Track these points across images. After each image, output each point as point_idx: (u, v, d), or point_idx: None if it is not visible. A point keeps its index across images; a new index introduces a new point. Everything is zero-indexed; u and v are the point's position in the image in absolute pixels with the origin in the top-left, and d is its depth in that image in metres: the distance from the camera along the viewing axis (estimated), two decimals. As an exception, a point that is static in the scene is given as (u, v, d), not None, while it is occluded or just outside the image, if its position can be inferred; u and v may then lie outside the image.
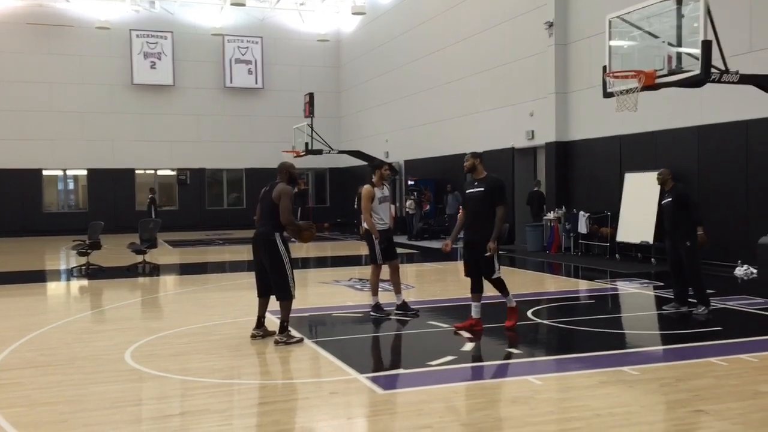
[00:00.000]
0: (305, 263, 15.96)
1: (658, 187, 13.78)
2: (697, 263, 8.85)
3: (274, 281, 7.50)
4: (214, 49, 30.88)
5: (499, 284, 7.94)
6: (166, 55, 30.10)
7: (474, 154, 8.00)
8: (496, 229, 7.64)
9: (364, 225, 9.08)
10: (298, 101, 27.45)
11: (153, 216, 24.95)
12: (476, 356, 7.10)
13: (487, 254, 7.60)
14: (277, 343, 7.42)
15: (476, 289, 8.00)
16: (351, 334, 7.12)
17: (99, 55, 29.26)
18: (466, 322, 7.98)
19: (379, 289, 9.12)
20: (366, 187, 9.05)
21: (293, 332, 7.62)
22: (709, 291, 10.17)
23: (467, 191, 8.00)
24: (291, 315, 7.55)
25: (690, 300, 8.97)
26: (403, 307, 9.07)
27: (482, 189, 7.76)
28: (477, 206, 7.79)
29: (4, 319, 9.50)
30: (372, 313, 9.02)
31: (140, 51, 29.79)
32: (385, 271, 9.17)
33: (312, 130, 24.64)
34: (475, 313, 7.95)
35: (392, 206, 9.31)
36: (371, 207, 8.92)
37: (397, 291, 9.14)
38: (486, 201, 7.71)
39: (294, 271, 7.61)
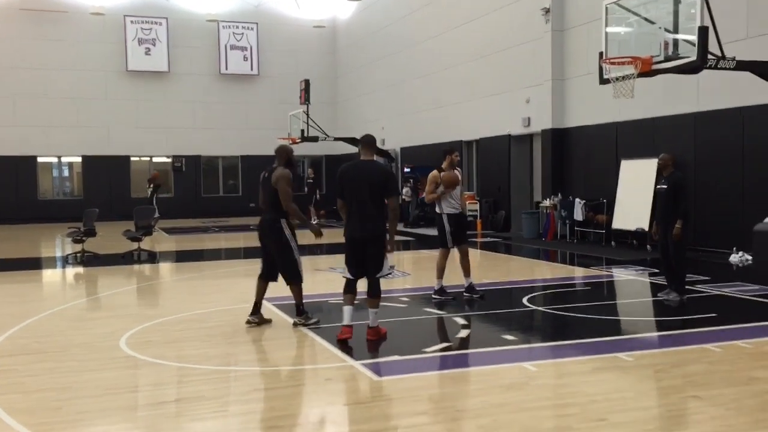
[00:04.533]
0: (301, 250, 15.95)
1: (654, 174, 13.91)
2: (683, 250, 8.84)
3: (282, 266, 7.57)
4: (209, 35, 30.69)
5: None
6: (160, 42, 29.90)
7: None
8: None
9: (437, 209, 9.19)
10: (293, 88, 27.33)
11: (154, 202, 24.95)
12: (472, 343, 7.11)
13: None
14: (296, 324, 7.53)
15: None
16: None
17: (93, 41, 29.05)
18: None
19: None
20: (433, 172, 9.23)
21: (310, 314, 7.67)
22: (703, 277, 10.20)
23: None
24: (287, 302, 7.58)
25: (686, 287, 8.98)
26: (470, 289, 9.19)
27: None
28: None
29: (-2, 306, 9.49)
30: (434, 296, 9.08)
31: (135, 37, 29.58)
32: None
33: (308, 116, 24.55)
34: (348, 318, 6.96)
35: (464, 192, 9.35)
36: (435, 190, 9.04)
37: (466, 274, 9.22)
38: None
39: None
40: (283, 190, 7.40)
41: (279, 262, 7.58)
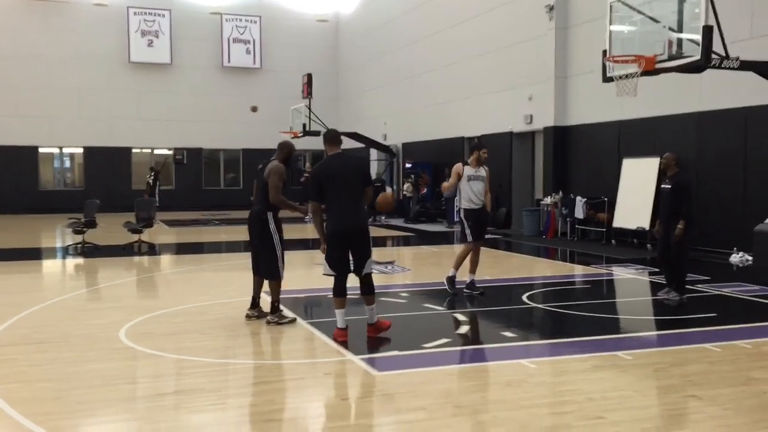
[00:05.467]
0: (301, 244, 15.95)
1: (656, 173, 13.90)
2: (684, 251, 8.83)
3: (263, 261, 7.51)
4: (212, 28, 30.65)
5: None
6: (163, 34, 29.87)
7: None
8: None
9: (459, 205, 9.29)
10: (296, 82, 27.28)
11: (156, 194, 24.91)
12: (471, 339, 7.11)
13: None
14: (269, 323, 7.42)
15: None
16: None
17: (96, 32, 29.02)
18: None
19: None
20: (457, 164, 9.25)
21: (285, 312, 7.62)
22: (704, 277, 10.20)
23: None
24: (287, 296, 7.55)
25: (686, 287, 8.97)
26: (471, 286, 9.25)
27: None
28: None
29: (-1, 296, 9.50)
30: (445, 283, 9.22)
31: (137, 29, 29.55)
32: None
33: (310, 111, 24.53)
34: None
35: (487, 191, 9.35)
36: (456, 183, 9.10)
37: (472, 270, 9.27)
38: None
39: (285, 252, 7.60)
40: (272, 183, 7.37)
41: (260, 255, 7.53)
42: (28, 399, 5.06)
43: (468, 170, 9.10)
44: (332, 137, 6.95)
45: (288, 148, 7.73)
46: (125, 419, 4.76)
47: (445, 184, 9.35)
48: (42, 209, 26.99)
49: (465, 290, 9.26)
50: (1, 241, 17.24)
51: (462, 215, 9.24)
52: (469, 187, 9.09)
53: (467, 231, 9.15)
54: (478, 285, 9.27)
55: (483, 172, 9.22)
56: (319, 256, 7.16)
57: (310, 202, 6.89)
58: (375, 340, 6.76)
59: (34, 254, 15.21)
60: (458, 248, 9.37)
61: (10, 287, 10.44)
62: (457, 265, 9.25)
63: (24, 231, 20.44)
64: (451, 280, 9.26)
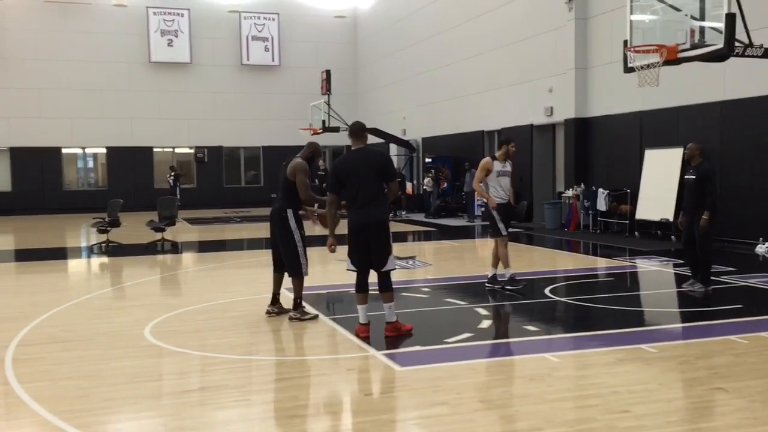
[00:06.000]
0: (322, 240, 16.01)
1: (679, 164, 13.74)
2: (709, 241, 8.72)
3: (285, 257, 7.53)
4: (231, 26, 30.80)
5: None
6: (183, 33, 30.06)
7: None
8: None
9: (482, 199, 9.18)
10: (314, 78, 27.36)
11: (176, 193, 25.15)
12: (493, 334, 7.09)
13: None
14: (291, 319, 7.46)
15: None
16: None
17: (116, 32, 29.29)
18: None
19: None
20: (485, 159, 9.16)
21: (308, 308, 7.64)
22: (729, 268, 10.07)
23: None
24: (309, 292, 7.58)
25: (711, 278, 8.87)
26: (493, 280, 9.20)
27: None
28: None
29: (26, 295, 9.64)
30: (508, 287, 9.02)
31: (157, 29, 29.77)
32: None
33: (329, 107, 24.58)
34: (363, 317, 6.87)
35: (511, 187, 9.32)
36: (484, 178, 9.00)
37: (494, 265, 9.23)
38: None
39: (308, 248, 7.62)
40: (300, 182, 7.40)
41: (282, 252, 7.56)
42: (55, 397, 5.13)
43: (497, 165, 9.04)
44: (355, 131, 6.89)
45: (313, 149, 7.78)
46: (150, 416, 4.81)
47: (478, 186, 9.07)
48: (67, 209, 27.34)
49: (487, 285, 9.23)
50: (27, 242, 17.49)
51: (494, 210, 9.06)
52: (498, 183, 9.04)
53: (500, 225, 9.04)
54: (500, 279, 9.23)
55: (509, 166, 9.19)
56: (341, 252, 7.14)
57: (327, 194, 6.88)
58: (395, 340, 6.70)
59: (60, 254, 15.41)
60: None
61: (37, 287, 10.59)
62: (507, 263, 9.11)
63: (49, 231, 20.71)
64: (513, 279, 9.09)
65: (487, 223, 9.45)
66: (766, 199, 12.68)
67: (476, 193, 9.19)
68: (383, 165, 6.73)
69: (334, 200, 6.80)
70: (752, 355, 5.88)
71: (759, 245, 12.38)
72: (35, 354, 6.39)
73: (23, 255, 14.64)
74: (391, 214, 16.92)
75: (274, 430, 4.59)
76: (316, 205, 7.80)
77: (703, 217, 8.47)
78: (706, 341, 6.41)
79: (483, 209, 9.44)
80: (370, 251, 6.69)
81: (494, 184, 9.04)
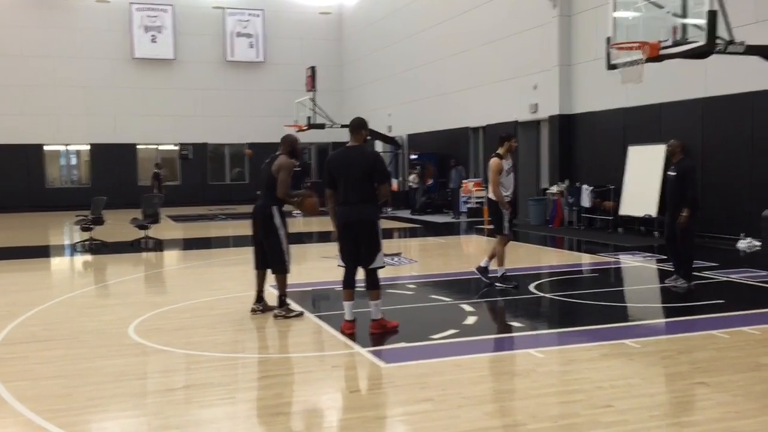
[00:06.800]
0: (307, 237, 15.98)
1: (662, 160, 13.84)
2: (690, 237, 8.80)
3: (269, 255, 7.52)
4: (215, 22, 30.63)
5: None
6: (166, 29, 29.86)
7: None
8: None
9: (490, 196, 9.16)
10: (299, 75, 27.26)
11: (158, 191, 24.99)
12: (478, 330, 7.11)
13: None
14: (276, 317, 7.45)
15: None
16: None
17: (99, 28, 29.05)
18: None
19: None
20: (494, 160, 9.07)
21: (292, 306, 7.64)
22: (711, 264, 10.17)
23: None
24: (294, 289, 7.56)
25: (694, 274, 8.95)
26: (483, 271, 9.20)
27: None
28: None
29: (7, 294, 9.55)
30: (498, 284, 9.01)
31: (140, 25, 29.55)
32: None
33: (314, 104, 24.52)
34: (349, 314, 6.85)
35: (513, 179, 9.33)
36: (499, 179, 8.96)
37: (490, 257, 9.21)
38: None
39: (291, 245, 7.61)
40: (281, 179, 7.39)
41: (267, 249, 7.55)
42: (38, 396, 5.09)
43: (505, 164, 9.07)
44: (353, 127, 6.88)
45: (290, 142, 7.74)
46: (135, 415, 4.79)
47: (498, 191, 8.92)
48: (50, 207, 27.10)
49: (477, 271, 9.26)
50: (9, 239, 17.32)
51: (506, 211, 9.01)
52: (507, 180, 9.07)
53: (506, 224, 9.04)
54: (490, 275, 9.24)
55: (511, 162, 9.25)
56: (325, 249, 7.14)
57: (325, 189, 6.88)
58: (380, 337, 6.70)
59: (43, 252, 15.28)
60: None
61: (19, 285, 10.49)
62: (502, 261, 9.12)
63: (32, 229, 20.53)
64: (506, 277, 9.11)
65: (490, 218, 9.47)
66: (747, 195, 12.81)
67: (493, 195, 8.99)
68: (373, 165, 6.71)
69: (331, 194, 6.83)
70: (734, 350, 5.95)
71: (740, 240, 12.50)
72: (18, 353, 6.34)
73: (5, 253, 14.49)
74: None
75: (259, 427, 4.59)
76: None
77: (683, 213, 8.54)
78: (689, 336, 6.47)
79: (481, 205, 9.38)
80: (358, 248, 6.69)
81: (502, 181, 9.04)
